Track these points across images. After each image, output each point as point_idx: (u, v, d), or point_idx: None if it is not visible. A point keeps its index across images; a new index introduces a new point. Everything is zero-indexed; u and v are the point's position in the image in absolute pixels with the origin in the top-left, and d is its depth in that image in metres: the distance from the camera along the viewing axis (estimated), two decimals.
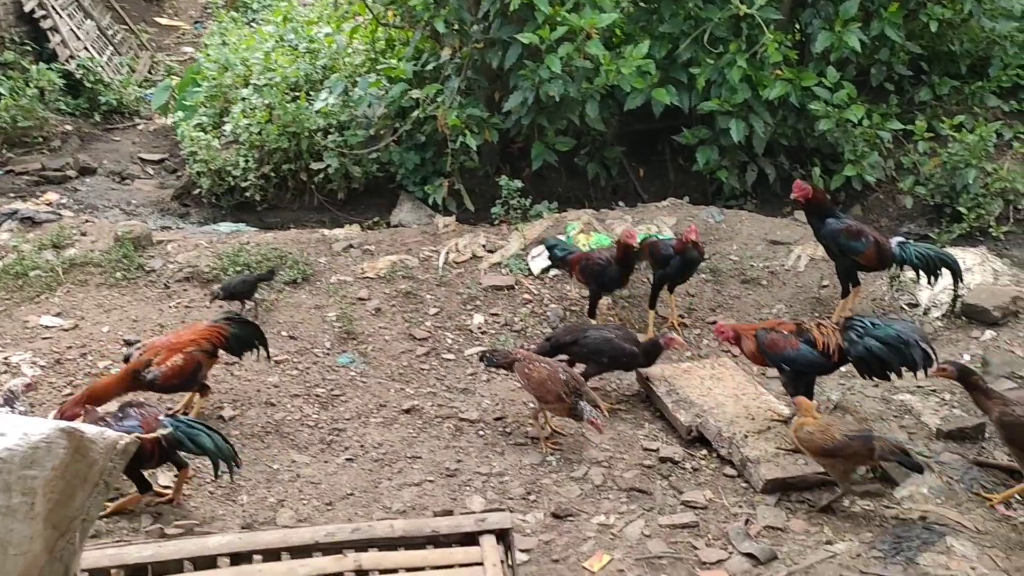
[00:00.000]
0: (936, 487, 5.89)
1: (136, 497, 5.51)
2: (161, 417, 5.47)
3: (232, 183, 10.40)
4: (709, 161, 10.09)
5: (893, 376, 6.12)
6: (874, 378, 6.28)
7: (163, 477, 5.95)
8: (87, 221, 9.50)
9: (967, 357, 7.36)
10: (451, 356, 7.48)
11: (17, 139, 11.96)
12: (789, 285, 8.35)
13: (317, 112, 10.37)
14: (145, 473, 5.63)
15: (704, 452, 6.38)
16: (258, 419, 6.64)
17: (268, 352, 6.82)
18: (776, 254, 8.70)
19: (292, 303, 8.01)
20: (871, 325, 6.08)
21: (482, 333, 7.75)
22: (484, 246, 8.79)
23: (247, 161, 10.33)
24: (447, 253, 8.67)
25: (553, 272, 8.36)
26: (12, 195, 10.87)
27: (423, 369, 7.32)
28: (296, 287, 8.22)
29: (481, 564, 3.28)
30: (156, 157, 12.54)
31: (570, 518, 5.77)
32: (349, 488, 5.99)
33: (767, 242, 8.84)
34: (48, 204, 10.40)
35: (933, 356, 5.99)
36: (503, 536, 3.38)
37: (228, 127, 10.56)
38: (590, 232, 8.80)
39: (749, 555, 5.44)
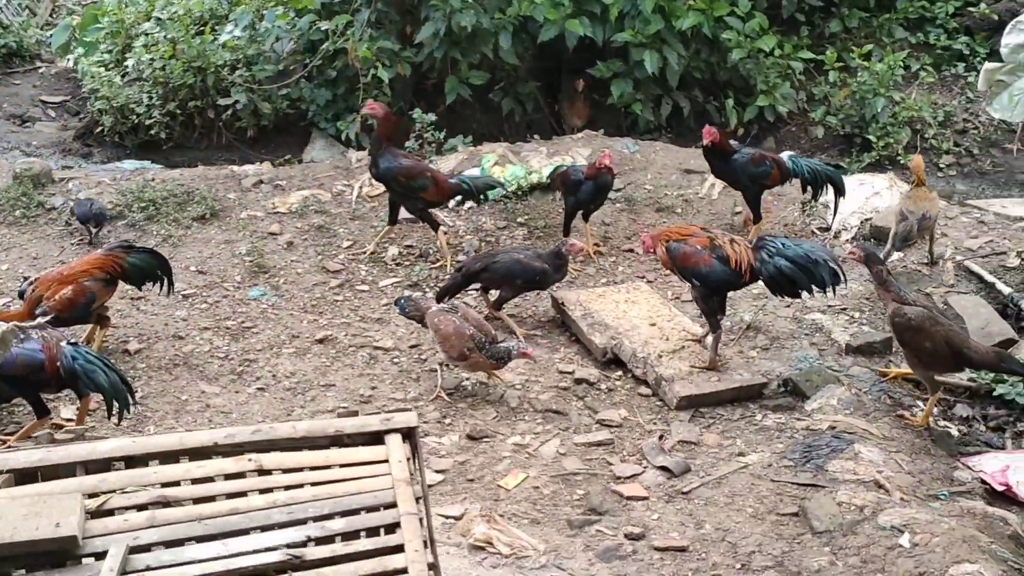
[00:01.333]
0: (845, 399, 5.99)
1: (36, 424, 5.35)
2: (64, 343, 5.31)
3: (136, 121, 10.02)
4: (623, 94, 10.03)
5: (805, 295, 6.18)
6: (785, 297, 6.35)
7: (66, 411, 5.80)
8: None
9: None
10: (365, 287, 7.38)
11: None
12: (703, 212, 8.38)
13: (223, 46, 10.04)
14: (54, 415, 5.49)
15: (619, 373, 6.41)
16: (166, 352, 6.49)
17: (171, 284, 6.60)
18: (690, 183, 8.71)
19: (201, 238, 7.82)
20: (782, 245, 6.13)
21: (397, 265, 7.65)
22: None
23: (151, 98, 9.98)
24: (360, 187, 8.52)
25: (468, 204, 8.26)
26: None
27: (337, 301, 7.22)
28: (205, 223, 8.01)
29: (387, 461, 3.23)
30: (58, 99, 12.08)
31: (486, 439, 5.76)
32: (261, 416, 5.91)
33: (681, 171, 8.85)
34: None
35: (842, 275, 6.06)
36: (409, 435, 3.33)
37: (130, 63, 10.18)
38: (505, 165, 8.72)
39: (663, 468, 5.50)
